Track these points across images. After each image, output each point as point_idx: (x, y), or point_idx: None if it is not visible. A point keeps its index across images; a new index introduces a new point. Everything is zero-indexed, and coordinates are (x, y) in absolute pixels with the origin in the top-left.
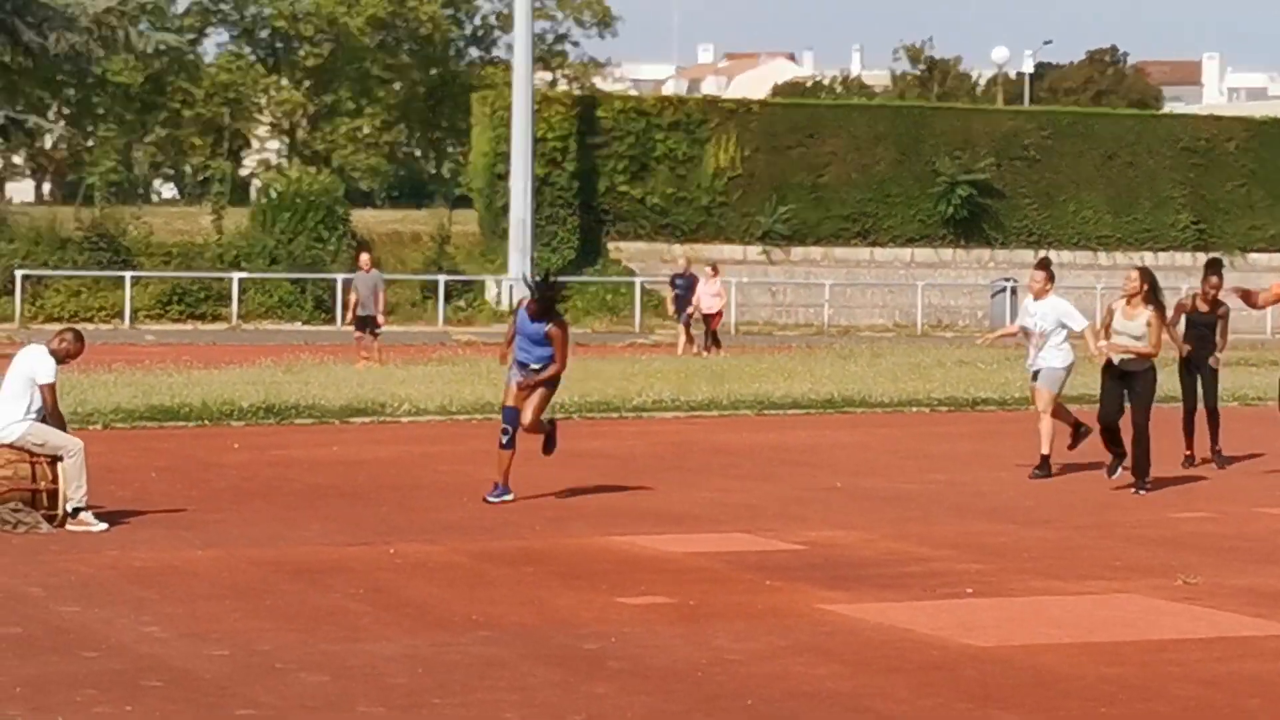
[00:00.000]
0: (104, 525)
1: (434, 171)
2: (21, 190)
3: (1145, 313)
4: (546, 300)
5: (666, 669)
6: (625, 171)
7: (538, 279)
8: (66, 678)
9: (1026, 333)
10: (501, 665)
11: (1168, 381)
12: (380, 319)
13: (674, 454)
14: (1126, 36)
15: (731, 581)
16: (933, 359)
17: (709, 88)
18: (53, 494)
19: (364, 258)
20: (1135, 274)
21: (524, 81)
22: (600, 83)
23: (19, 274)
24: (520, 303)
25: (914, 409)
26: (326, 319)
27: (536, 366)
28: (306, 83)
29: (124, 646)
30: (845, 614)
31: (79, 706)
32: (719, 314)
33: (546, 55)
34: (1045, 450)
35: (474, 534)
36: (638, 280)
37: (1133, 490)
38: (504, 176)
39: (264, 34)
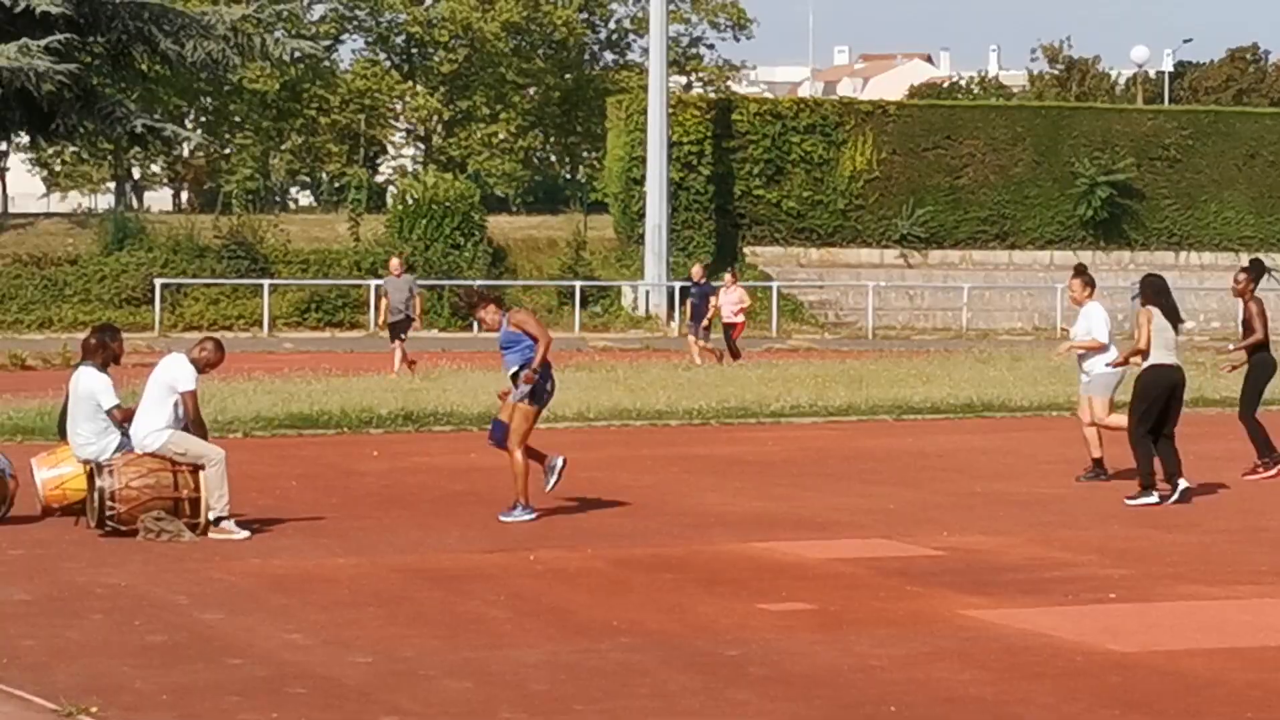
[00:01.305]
0: (246, 533)
1: (569, 177)
2: (159, 199)
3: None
4: (469, 305)
5: (808, 675)
6: (761, 175)
7: (462, 299)
8: (211, 685)
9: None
10: (642, 672)
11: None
12: (417, 322)
13: (812, 459)
14: (1268, 34)
15: (872, 587)
16: (1072, 362)
17: (845, 90)
18: (195, 502)
19: (394, 262)
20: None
21: (659, 85)
22: (735, 86)
23: (158, 283)
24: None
25: (1053, 413)
26: (463, 325)
27: (511, 373)
28: (442, 89)
29: (267, 654)
30: (987, 619)
31: (224, 713)
32: (740, 325)
33: (681, 59)
34: (1096, 454)
35: (613, 540)
36: (774, 285)
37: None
38: (639, 181)
39: (399, 40)
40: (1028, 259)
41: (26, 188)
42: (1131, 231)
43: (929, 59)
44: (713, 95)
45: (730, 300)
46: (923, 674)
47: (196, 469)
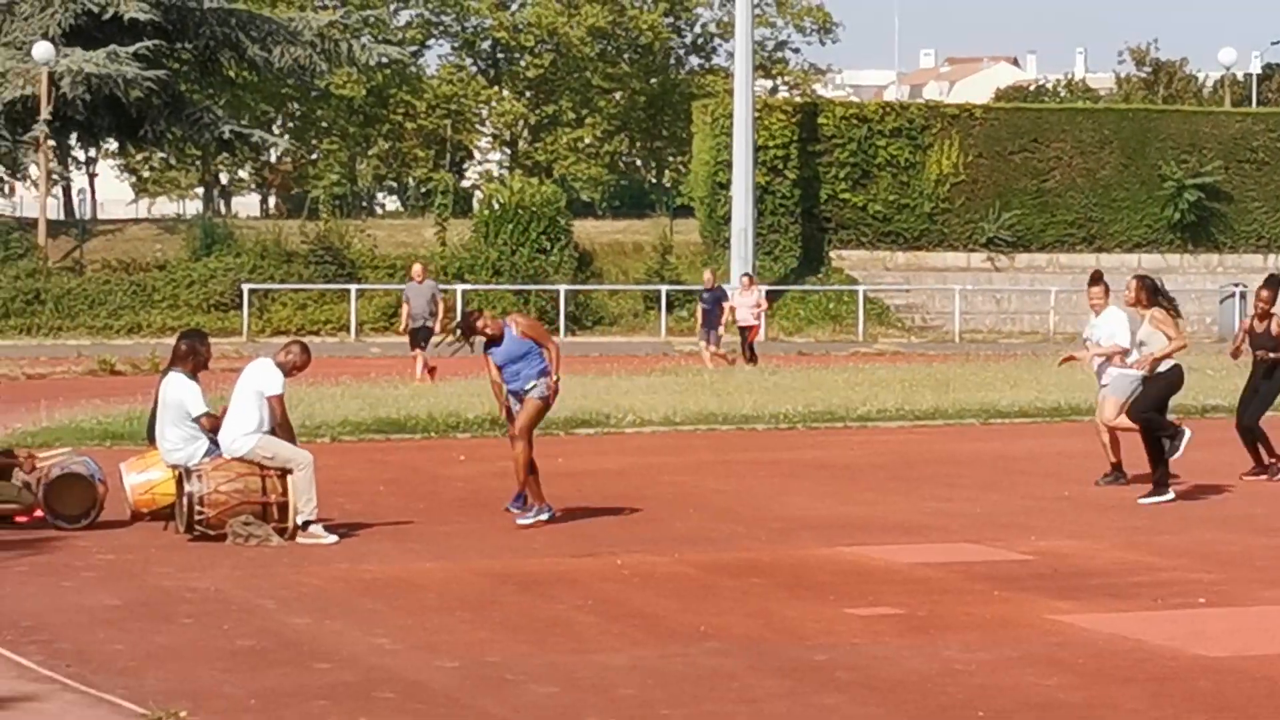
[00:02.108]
0: (334, 538)
1: (655, 181)
2: (247, 204)
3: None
4: (467, 328)
5: (896, 680)
6: (847, 179)
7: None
8: (299, 689)
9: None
10: (730, 676)
11: None
12: (437, 328)
13: (899, 463)
14: None
15: (960, 592)
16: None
17: (931, 93)
18: (283, 507)
19: (416, 268)
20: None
21: (745, 89)
22: (821, 89)
23: (245, 288)
24: (485, 353)
25: None
26: (550, 330)
27: (530, 386)
28: (527, 94)
29: (355, 658)
30: (1075, 624)
31: (312, 718)
32: (756, 327)
33: (767, 62)
34: (1114, 458)
35: (700, 545)
36: (860, 289)
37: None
38: (725, 185)
39: (485, 45)
40: (1115, 262)
41: (115, 194)
42: (1219, 234)
43: (1015, 62)
44: (798, 99)
45: (747, 302)
46: (1011, 679)
47: (285, 474)
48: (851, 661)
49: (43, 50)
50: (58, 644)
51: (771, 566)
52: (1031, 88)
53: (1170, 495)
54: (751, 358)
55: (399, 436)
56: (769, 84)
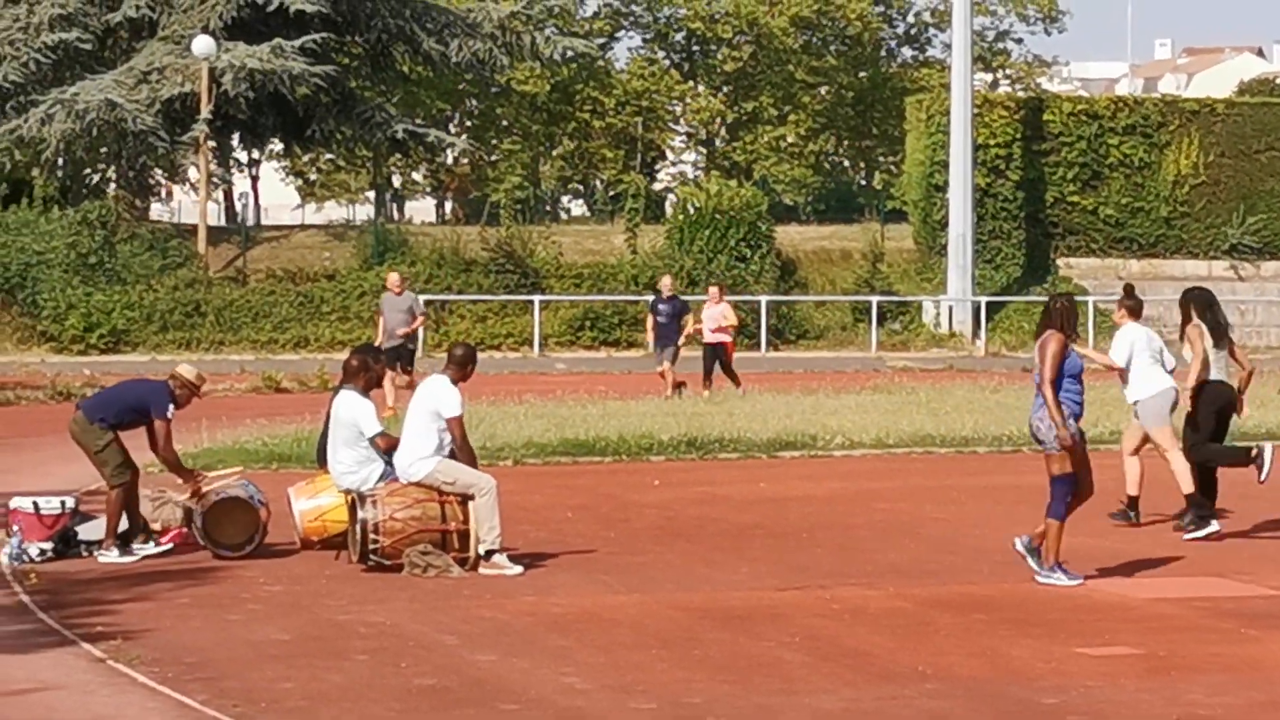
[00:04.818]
0: (518, 568)
1: (864, 183)
2: (422, 209)
3: None
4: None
5: None
6: (1075, 180)
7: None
8: None
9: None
10: None
11: None
12: (403, 331)
13: None
14: None
15: (1204, 630)
16: None
17: (1166, 86)
18: (464, 535)
19: (393, 277)
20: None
21: (963, 83)
22: (1046, 83)
23: (421, 298)
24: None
25: None
26: (750, 344)
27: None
28: (725, 89)
29: (544, 699)
30: None
31: None
32: (730, 345)
33: (987, 54)
34: (1132, 492)
35: (917, 578)
36: (1090, 299)
37: None
38: (942, 188)
39: (679, 37)
40: None
41: (280, 198)
42: None
43: (1260, 52)
44: (1021, 94)
45: (712, 316)
46: None
47: (465, 499)
48: (1085, 705)
49: (203, 45)
50: (223, 682)
51: (995, 601)
52: (1278, 80)
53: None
54: (733, 379)
55: (587, 459)
56: (989, 77)
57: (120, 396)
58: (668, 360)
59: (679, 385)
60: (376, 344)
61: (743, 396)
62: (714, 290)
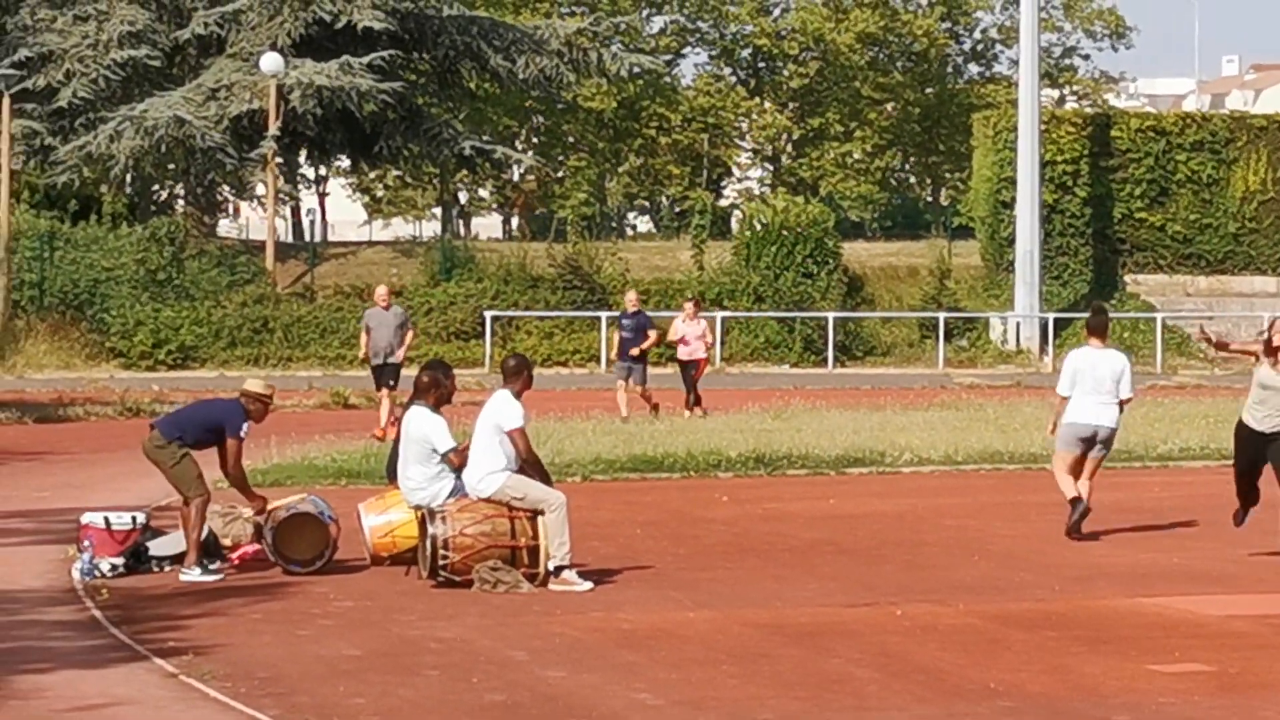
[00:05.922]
0: (588, 584)
1: (931, 199)
2: (488, 226)
3: None
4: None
5: None
6: (1143, 197)
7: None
8: None
9: None
10: None
11: None
12: (398, 355)
13: (1205, 507)
14: None
15: (1277, 648)
16: None
17: (1234, 103)
18: (533, 551)
19: (381, 290)
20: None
21: (1030, 99)
22: (1113, 99)
23: (488, 315)
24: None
25: None
26: (817, 361)
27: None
28: (791, 105)
29: (615, 715)
30: None
31: None
32: (704, 361)
33: (1053, 70)
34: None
35: (988, 594)
36: (1158, 316)
37: None
38: (1009, 204)
39: (745, 54)
40: None
41: (347, 214)
42: None
43: None
44: (1089, 110)
45: (693, 333)
46: None
47: (535, 515)
48: None
49: (271, 62)
50: (295, 697)
51: (1067, 618)
52: None
53: None
54: (695, 401)
55: (656, 475)
56: (1056, 93)
57: (195, 416)
58: (635, 380)
59: (652, 404)
60: (361, 357)
61: (703, 418)
62: (689, 306)
